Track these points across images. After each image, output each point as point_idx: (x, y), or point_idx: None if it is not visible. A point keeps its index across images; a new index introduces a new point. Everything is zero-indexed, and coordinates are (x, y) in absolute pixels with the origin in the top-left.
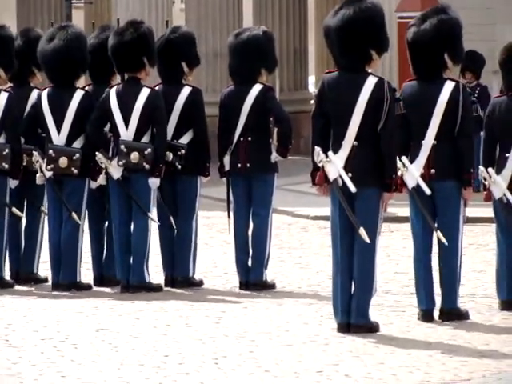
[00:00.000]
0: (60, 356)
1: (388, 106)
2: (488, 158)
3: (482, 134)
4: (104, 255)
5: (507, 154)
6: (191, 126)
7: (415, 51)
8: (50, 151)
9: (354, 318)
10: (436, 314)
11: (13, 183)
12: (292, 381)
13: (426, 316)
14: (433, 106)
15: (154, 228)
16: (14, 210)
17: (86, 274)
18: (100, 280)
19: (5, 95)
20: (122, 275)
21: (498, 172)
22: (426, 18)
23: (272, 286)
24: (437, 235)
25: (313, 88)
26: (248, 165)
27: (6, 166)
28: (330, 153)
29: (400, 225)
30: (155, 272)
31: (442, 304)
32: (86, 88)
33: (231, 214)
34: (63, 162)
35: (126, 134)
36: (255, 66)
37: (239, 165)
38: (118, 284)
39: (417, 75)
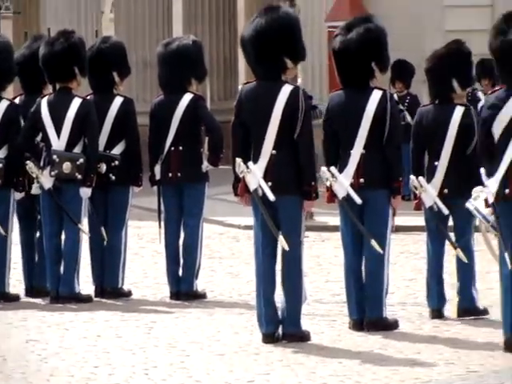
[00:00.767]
0: None
1: (303, 114)
2: (417, 166)
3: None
4: (35, 265)
5: (436, 163)
6: (123, 136)
7: (342, 60)
8: None
9: (285, 326)
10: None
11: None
12: None
13: (357, 325)
14: (360, 116)
15: (84, 239)
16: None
17: (15, 284)
18: (30, 290)
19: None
20: (52, 286)
21: (428, 180)
22: (352, 27)
23: (203, 295)
24: (371, 243)
25: None
26: (179, 174)
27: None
28: (250, 163)
29: (331, 234)
30: (85, 282)
31: (367, 313)
32: (18, 98)
33: (162, 223)
34: None
35: (58, 143)
36: (185, 75)
37: (170, 174)
38: (48, 295)
39: (344, 84)
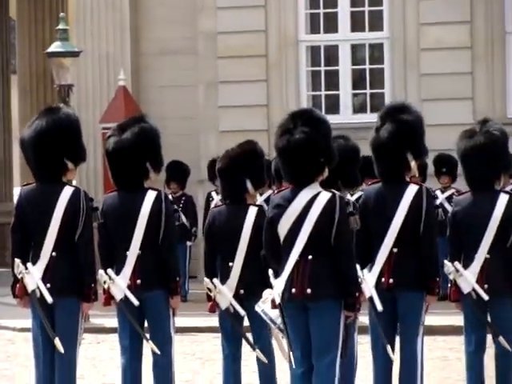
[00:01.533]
0: None
1: (84, 217)
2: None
3: None
4: None
5: None
6: None
7: (116, 160)
8: None
9: None
10: None
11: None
12: None
13: None
14: (135, 217)
15: None
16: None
17: None
18: None
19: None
20: None
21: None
22: (127, 126)
23: None
24: (150, 346)
25: None
26: None
27: None
28: (29, 264)
29: (107, 335)
30: None
31: None
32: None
33: None
34: None
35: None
36: None
37: None
38: None
39: (118, 185)
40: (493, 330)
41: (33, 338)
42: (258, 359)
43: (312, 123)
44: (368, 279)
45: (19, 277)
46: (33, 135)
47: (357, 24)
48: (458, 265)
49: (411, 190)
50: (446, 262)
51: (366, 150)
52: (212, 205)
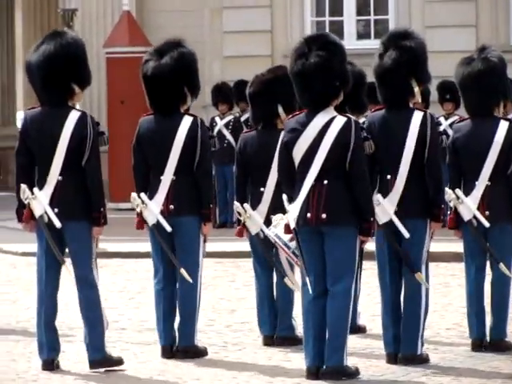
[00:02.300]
0: None
1: (91, 141)
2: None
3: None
4: None
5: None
6: None
7: (154, 85)
8: None
9: (90, 354)
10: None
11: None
12: None
13: (165, 352)
14: (171, 141)
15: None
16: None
17: None
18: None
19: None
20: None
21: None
22: (165, 51)
23: None
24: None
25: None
26: None
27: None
28: (36, 189)
29: (109, 260)
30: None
31: (179, 341)
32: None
33: None
34: None
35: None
36: None
37: None
38: None
39: (155, 110)
40: (493, 257)
41: (37, 263)
42: (278, 285)
43: (327, 47)
44: (386, 206)
45: (26, 202)
46: (41, 59)
47: None
48: (459, 192)
49: (417, 117)
50: (446, 189)
51: (369, 77)
52: (215, 130)
